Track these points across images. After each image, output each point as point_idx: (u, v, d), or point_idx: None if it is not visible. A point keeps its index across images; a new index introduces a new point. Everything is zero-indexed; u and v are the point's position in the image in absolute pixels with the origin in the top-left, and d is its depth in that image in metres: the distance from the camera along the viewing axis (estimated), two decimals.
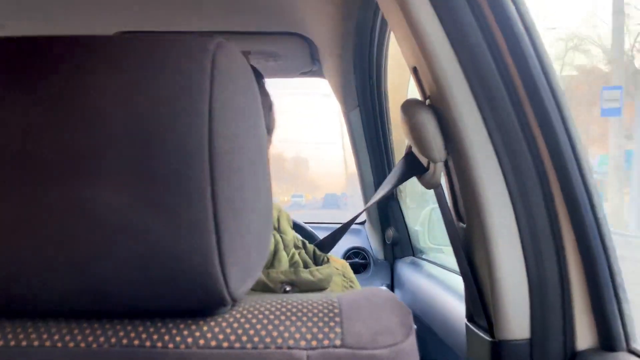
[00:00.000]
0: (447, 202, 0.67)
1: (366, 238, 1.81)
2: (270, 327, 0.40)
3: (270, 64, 1.28)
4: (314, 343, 0.39)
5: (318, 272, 0.66)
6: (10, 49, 0.39)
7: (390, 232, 1.64)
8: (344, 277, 0.77)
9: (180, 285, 0.37)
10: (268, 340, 0.39)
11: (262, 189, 0.42)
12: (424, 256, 1.59)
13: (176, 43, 0.38)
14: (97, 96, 0.36)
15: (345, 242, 1.76)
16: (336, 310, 0.42)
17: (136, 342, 0.39)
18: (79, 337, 0.39)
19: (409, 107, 0.64)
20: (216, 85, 0.37)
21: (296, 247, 0.71)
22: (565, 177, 0.57)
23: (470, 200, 0.62)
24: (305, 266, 0.67)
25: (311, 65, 1.34)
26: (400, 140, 1.52)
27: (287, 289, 0.65)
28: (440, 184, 0.66)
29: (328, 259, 0.71)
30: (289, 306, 0.42)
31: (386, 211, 1.67)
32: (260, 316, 0.41)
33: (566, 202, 0.58)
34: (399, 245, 1.65)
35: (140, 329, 0.39)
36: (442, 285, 1.22)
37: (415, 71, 0.66)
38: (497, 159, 0.60)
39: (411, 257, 1.62)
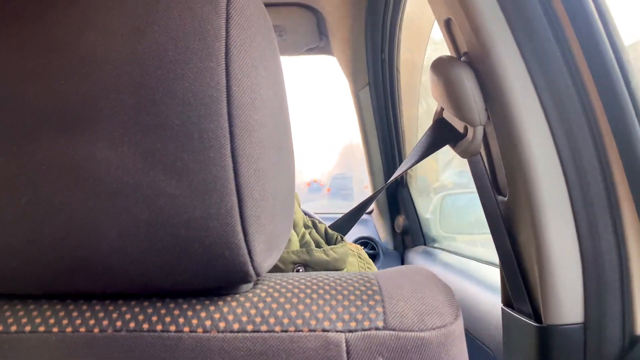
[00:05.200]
0: (485, 172, 0.60)
1: (374, 228, 1.74)
2: (301, 306, 0.35)
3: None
4: (352, 324, 0.34)
5: (332, 252, 0.60)
6: None
7: (401, 221, 1.58)
8: (360, 258, 0.70)
9: (195, 258, 0.32)
10: (300, 322, 0.34)
11: (284, 148, 0.37)
12: (436, 245, 1.52)
13: None
14: (96, 39, 0.32)
15: (353, 232, 1.69)
16: (375, 288, 0.37)
17: (145, 325, 0.34)
18: (78, 321, 0.34)
19: (442, 64, 0.57)
20: (233, 26, 0.32)
21: (306, 226, 0.64)
22: (624, 140, 0.50)
23: (515, 169, 0.55)
24: (318, 246, 0.61)
25: (318, 41, 1.28)
26: (410, 123, 1.45)
27: (300, 270, 0.59)
28: (479, 152, 0.59)
29: (342, 238, 0.64)
30: (321, 283, 0.37)
31: (395, 199, 1.61)
32: (289, 295, 0.36)
33: (625, 168, 0.51)
34: (409, 234, 1.58)
35: (150, 310, 0.35)
36: (460, 273, 1.16)
37: (447, 24, 0.59)
38: (546, 120, 0.53)
39: (423, 247, 1.56)
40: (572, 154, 0.53)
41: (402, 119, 1.42)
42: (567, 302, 0.55)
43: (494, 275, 1.01)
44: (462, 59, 0.58)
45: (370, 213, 1.81)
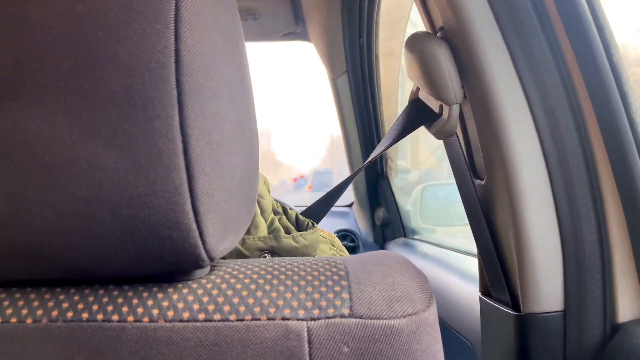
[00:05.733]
0: (461, 154, 0.57)
1: (354, 220, 1.72)
2: (259, 293, 0.32)
3: (248, 24, 1.18)
4: (315, 312, 0.31)
5: (302, 238, 0.57)
6: None
7: (381, 213, 1.56)
8: (333, 245, 0.67)
9: (140, 240, 0.29)
10: (257, 309, 0.31)
11: (245, 123, 0.34)
12: (416, 236, 1.51)
13: None
14: None
15: (333, 225, 1.68)
16: (341, 273, 0.34)
17: (85, 315, 0.31)
18: (9, 311, 0.31)
19: (416, 40, 0.54)
20: None
21: (275, 212, 0.61)
22: (606, 119, 0.48)
23: (493, 150, 0.53)
24: (287, 232, 0.58)
25: (294, 26, 1.25)
26: (391, 114, 1.43)
27: (267, 257, 0.56)
28: (456, 133, 0.56)
29: (314, 224, 0.61)
30: (283, 269, 0.34)
31: (376, 191, 1.58)
32: (247, 280, 0.33)
33: (607, 149, 0.49)
34: (389, 226, 1.56)
35: (91, 298, 0.32)
36: (439, 264, 1.14)
37: None
38: (526, 98, 0.50)
39: (403, 239, 1.54)
40: (552, 134, 0.50)
41: (381, 107, 1.39)
42: (547, 290, 0.52)
43: (474, 266, 0.99)
44: (438, 34, 0.55)
45: (350, 205, 1.79)
